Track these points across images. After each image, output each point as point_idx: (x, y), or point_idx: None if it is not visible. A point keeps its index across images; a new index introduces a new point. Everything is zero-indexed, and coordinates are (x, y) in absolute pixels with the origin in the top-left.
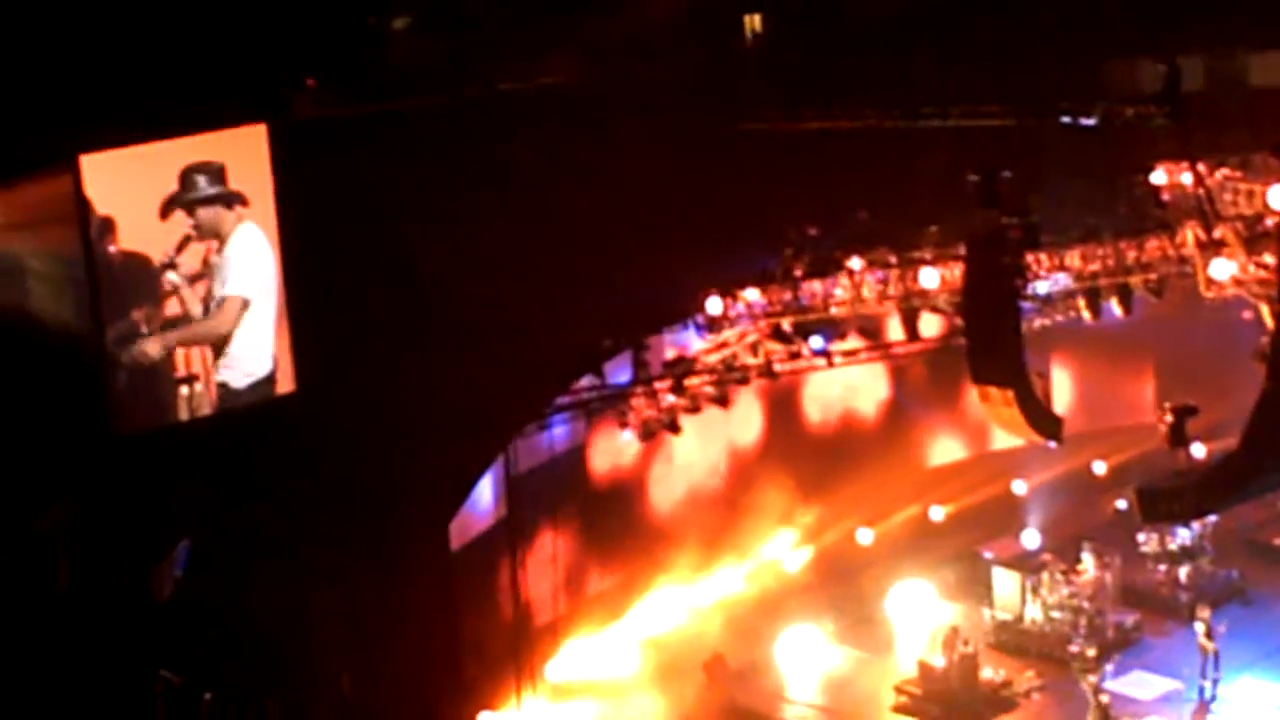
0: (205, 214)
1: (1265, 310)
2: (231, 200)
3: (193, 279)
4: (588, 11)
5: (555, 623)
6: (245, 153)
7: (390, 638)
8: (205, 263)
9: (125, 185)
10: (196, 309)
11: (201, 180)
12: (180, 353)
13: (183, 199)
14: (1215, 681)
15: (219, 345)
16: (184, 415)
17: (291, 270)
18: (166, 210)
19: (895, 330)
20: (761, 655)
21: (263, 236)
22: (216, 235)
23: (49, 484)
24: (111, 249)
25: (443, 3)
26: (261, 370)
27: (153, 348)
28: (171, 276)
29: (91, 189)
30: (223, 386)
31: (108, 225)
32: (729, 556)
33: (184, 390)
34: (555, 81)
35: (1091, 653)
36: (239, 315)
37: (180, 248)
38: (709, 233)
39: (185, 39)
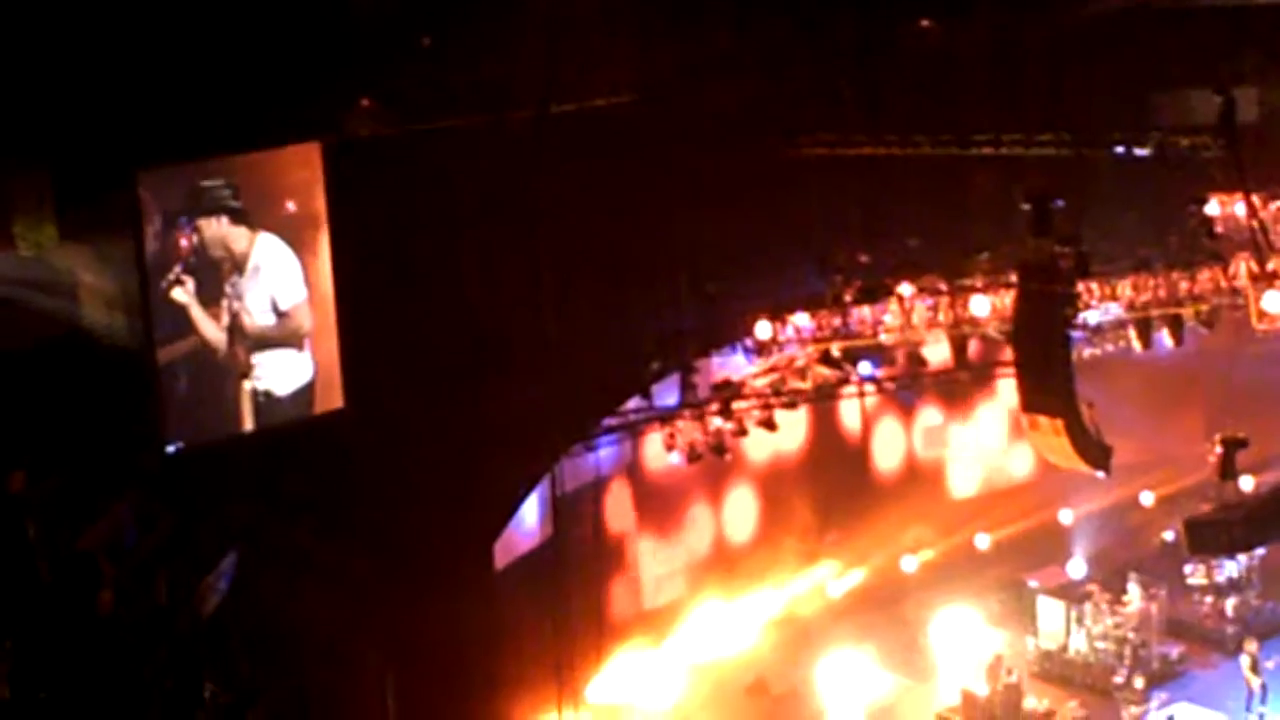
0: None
1: None
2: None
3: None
4: (641, 35)
5: (598, 643)
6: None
7: (433, 656)
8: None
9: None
10: (213, 332)
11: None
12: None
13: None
14: (1261, 716)
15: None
16: (235, 428)
17: (343, 288)
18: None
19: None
20: (804, 680)
21: (283, 245)
22: (230, 251)
23: (97, 500)
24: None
25: (498, 24)
26: (304, 377)
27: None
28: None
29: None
30: (266, 395)
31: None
32: (773, 581)
33: (239, 399)
34: (608, 104)
35: (1139, 684)
36: (307, 314)
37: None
38: (760, 257)
39: (242, 57)
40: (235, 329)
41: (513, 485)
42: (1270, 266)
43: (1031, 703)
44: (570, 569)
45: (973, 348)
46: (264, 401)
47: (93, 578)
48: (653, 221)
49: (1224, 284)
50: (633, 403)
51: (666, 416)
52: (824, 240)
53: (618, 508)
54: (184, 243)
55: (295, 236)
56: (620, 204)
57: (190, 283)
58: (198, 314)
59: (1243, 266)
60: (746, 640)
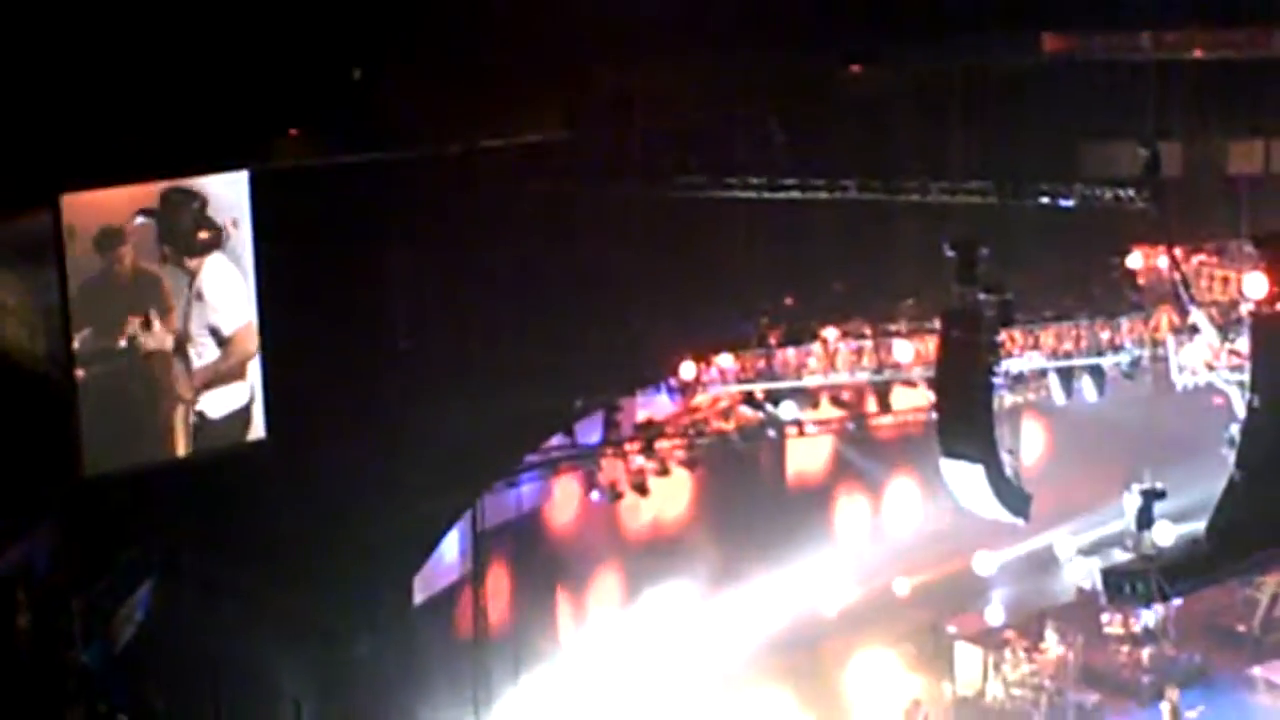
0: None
1: (1236, 397)
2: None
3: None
4: (573, 72)
5: (515, 677)
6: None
7: (350, 689)
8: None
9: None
10: (168, 343)
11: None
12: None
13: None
14: None
15: (231, 377)
16: (167, 452)
17: (267, 315)
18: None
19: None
20: None
21: (233, 268)
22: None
23: (11, 524)
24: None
25: (430, 56)
26: (240, 400)
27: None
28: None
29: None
30: (200, 417)
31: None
32: (690, 627)
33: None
34: (537, 139)
35: None
36: (253, 340)
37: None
38: (686, 297)
39: (171, 84)
40: (179, 352)
41: (434, 520)
42: (1191, 319)
43: None
44: (489, 605)
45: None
46: (198, 424)
47: (7, 602)
48: (580, 258)
49: (1145, 336)
50: (556, 439)
51: (589, 454)
52: (750, 282)
53: (538, 544)
54: (120, 266)
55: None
56: (547, 240)
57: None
58: (109, 343)
59: (1164, 319)
60: (665, 683)
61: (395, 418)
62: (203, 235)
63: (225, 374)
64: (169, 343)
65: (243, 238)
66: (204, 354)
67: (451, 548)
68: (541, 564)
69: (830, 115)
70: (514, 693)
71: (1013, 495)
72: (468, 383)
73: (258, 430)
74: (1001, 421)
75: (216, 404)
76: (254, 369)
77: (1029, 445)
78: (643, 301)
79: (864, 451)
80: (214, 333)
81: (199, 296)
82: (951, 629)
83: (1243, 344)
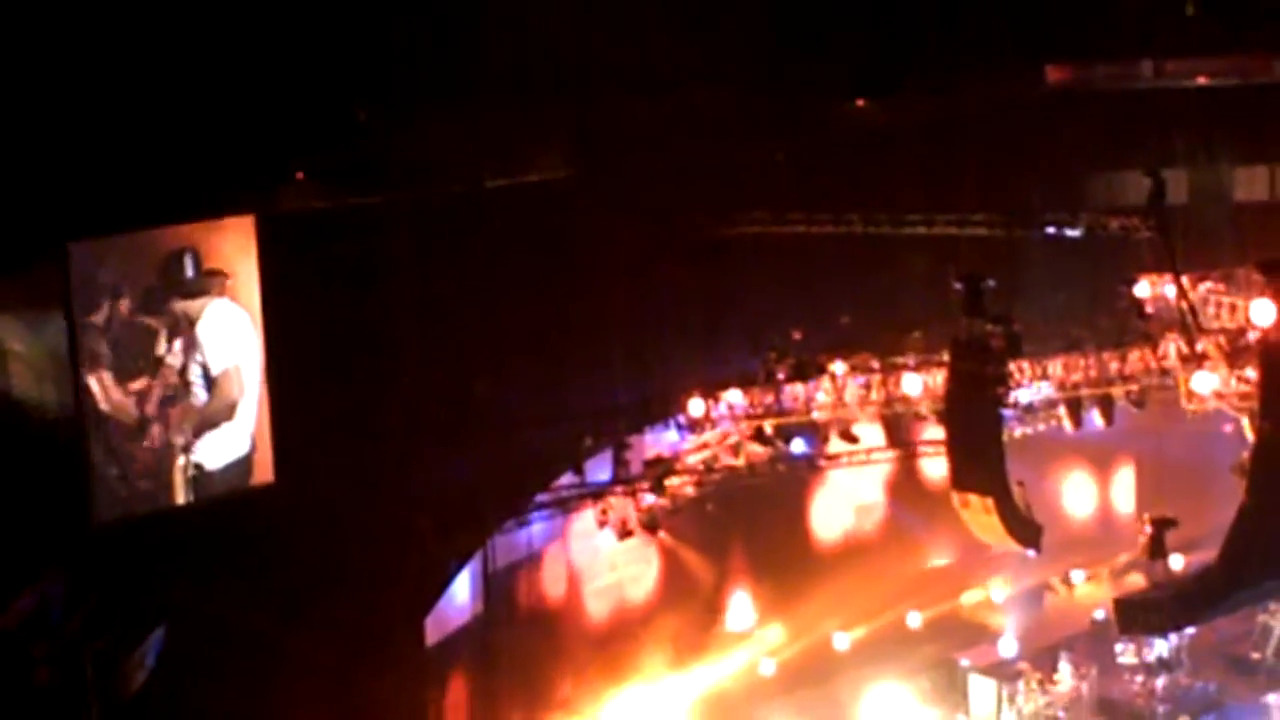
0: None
1: (1246, 424)
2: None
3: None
4: (576, 110)
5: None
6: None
7: None
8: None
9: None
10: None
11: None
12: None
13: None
14: None
15: (219, 420)
16: (167, 501)
17: (274, 359)
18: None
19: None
20: None
21: (237, 311)
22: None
23: (23, 574)
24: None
25: (433, 97)
26: (240, 450)
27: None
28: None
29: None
30: (198, 468)
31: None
32: (703, 660)
33: (171, 473)
34: (542, 178)
35: None
36: (239, 384)
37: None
38: (693, 333)
39: (175, 130)
40: (168, 401)
41: (444, 561)
42: (1200, 347)
43: None
44: (502, 645)
45: None
46: (196, 475)
47: (21, 655)
48: (587, 296)
49: (1154, 364)
50: (565, 478)
51: (599, 492)
52: (757, 317)
53: (551, 584)
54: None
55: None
56: (555, 278)
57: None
58: (114, 391)
59: (1172, 347)
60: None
61: (404, 458)
62: (203, 281)
63: (212, 416)
64: (166, 390)
65: (245, 281)
66: (196, 397)
67: (463, 588)
68: (554, 603)
69: (836, 149)
70: None
71: (1023, 526)
72: (476, 422)
73: (265, 475)
74: (1011, 452)
75: (214, 453)
76: (248, 414)
77: (1039, 476)
78: (650, 338)
79: (873, 484)
80: (205, 375)
81: (196, 343)
82: (965, 662)
83: (1251, 371)
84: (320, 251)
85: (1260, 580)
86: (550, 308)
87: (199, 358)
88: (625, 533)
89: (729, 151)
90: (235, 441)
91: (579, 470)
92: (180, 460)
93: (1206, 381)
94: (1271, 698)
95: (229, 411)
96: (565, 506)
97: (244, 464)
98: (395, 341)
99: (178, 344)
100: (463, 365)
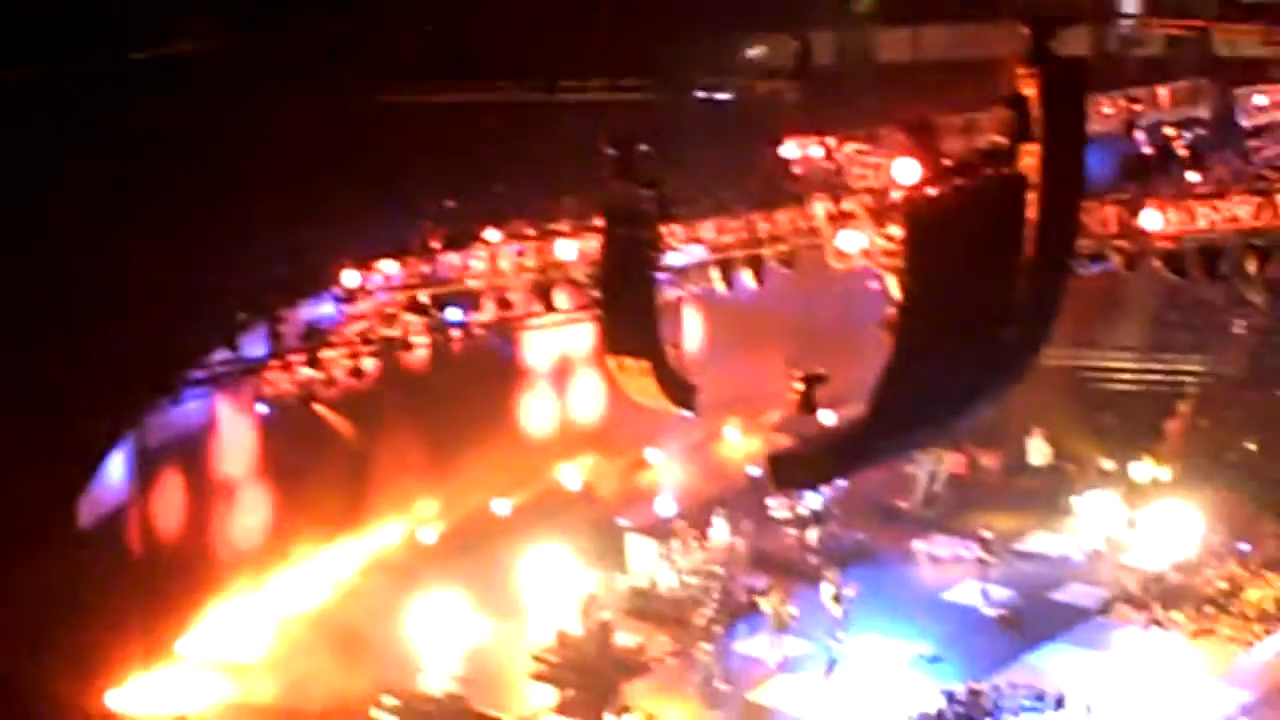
0: None
1: (892, 281)
2: None
3: None
4: None
5: (190, 599)
6: None
7: (14, 618)
8: None
9: None
10: None
11: None
12: None
13: None
14: (841, 642)
15: None
16: None
17: None
18: None
19: None
20: (397, 628)
21: None
22: None
23: None
24: None
25: None
26: None
27: None
28: None
29: None
30: None
31: None
32: (364, 530)
33: None
34: (191, 49)
35: (706, 616)
36: None
37: None
38: (347, 205)
39: None
40: None
41: (96, 441)
42: (846, 207)
43: (623, 640)
44: (159, 525)
45: None
46: None
47: None
48: (240, 169)
49: (802, 225)
50: (220, 355)
51: (254, 368)
52: (412, 187)
53: (209, 460)
54: None
55: None
56: (203, 153)
57: None
58: None
59: (819, 208)
60: (338, 591)
61: (51, 337)
62: None
63: None
64: None
65: None
66: None
67: (117, 468)
68: (211, 481)
69: (485, 18)
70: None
71: (678, 387)
72: (126, 301)
73: None
74: (665, 315)
75: None
76: None
77: (693, 338)
78: (305, 210)
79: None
80: None
81: None
82: (623, 521)
83: (895, 229)
84: None
85: (906, 432)
86: (201, 180)
87: None
88: (283, 408)
89: (381, 20)
90: None
91: (233, 346)
92: None
93: (853, 240)
94: (918, 544)
95: None
96: (220, 383)
97: None
98: (42, 215)
99: None
100: (114, 241)
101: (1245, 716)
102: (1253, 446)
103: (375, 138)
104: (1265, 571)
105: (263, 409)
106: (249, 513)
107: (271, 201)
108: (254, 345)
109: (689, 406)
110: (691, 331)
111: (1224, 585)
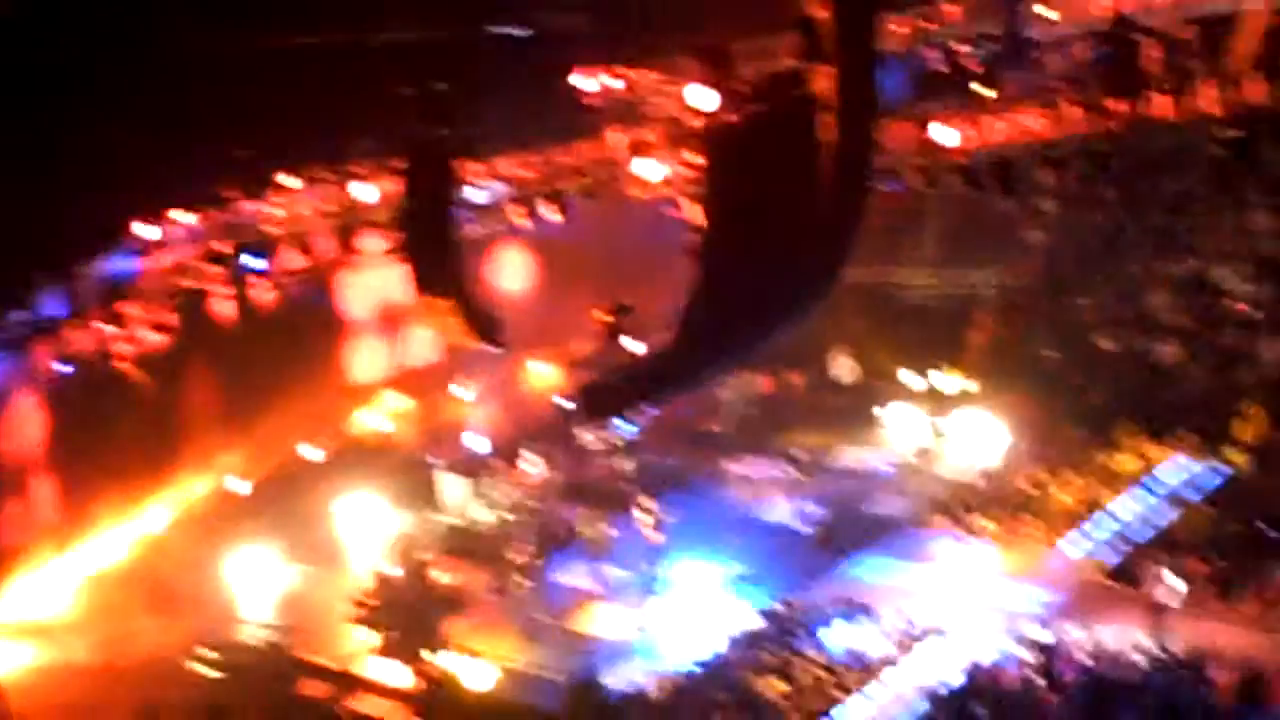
0: None
1: (691, 209)
2: None
3: None
4: None
5: None
6: None
7: None
8: None
9: None
10: None
11: None
12: None
13: None
14: (659, 566)
15: None
16: None
17: None
18: None
19: None
20: (212, 580)
21: None
22: None
23: None
24: None
25: None
26: None
27: None
28: None
29: None
30: None
31: None
32: (172, 485)
33: None
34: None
35: (523, 550)
36: None
37: None
38: (144, 156)
39: None
40: None
41: None
42: (644, 137)
43: (441, 578)
44: None
45: None
46: None
47: None
48: (39, 121)
49: (602, 156)
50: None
51: (52, 327)
52: (207, 136)
53: (6, 424)
54: None
55: None
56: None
57: None
58: None
59: (619, 139)
60: (148, 546)
61: None
62: None
63: None
64: None
65: None
66: None
67: None
68: (9, 445)
69: None
70: None
71: (485, 324)
72: None
73: None
74: (470, 252)
75: None
76: None
77: (499, 274)
78: (93, 161)
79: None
80: None
81: None
82: (433, 460)
83: (693, 156)
84: None
85: (713, 358)
86: None
87: None
88: (85, 365)
89: None
90: None
91: (28, 306)
92: None
93: (652, 169)
94: (731, 466)
95: None
96: (17, 344)
97: None
98: None
99: None
100: None
101: (1057, 615)
102: (1053, 354)
103: (173, 88)
104: (1069, 474)
105: (63, 368)
106: (51, 474)
107: (60, 157)
108: (52, 304)
109: (498, 343)
110: (501, 268)
111: (1031, 490)
